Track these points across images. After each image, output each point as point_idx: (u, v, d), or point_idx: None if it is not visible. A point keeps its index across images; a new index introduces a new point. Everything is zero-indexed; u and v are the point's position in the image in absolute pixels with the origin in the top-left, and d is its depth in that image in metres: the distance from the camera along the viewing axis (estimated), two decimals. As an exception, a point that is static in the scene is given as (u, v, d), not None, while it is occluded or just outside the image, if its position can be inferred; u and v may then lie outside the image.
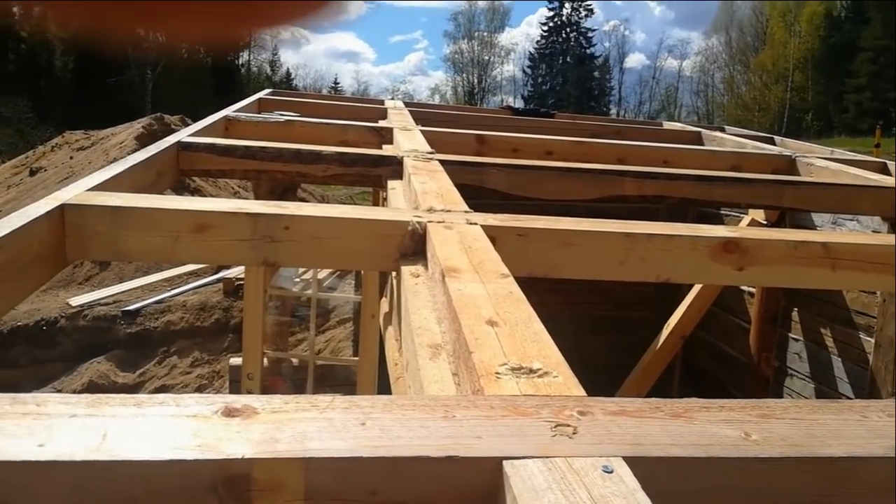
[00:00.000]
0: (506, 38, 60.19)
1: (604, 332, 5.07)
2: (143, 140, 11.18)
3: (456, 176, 1.98)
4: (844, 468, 0.65)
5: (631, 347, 4.57)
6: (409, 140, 2.67)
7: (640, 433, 0.66)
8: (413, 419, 0.66)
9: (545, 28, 54.65)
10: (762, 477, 0.64)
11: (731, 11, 51.09)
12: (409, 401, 0.70)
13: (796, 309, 3.98)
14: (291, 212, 1.42)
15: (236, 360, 5.03)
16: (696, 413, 0.70)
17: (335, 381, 5.24)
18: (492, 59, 55.98)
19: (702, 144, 4.33)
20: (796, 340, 3.99)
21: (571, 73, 53.04)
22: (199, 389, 7.21)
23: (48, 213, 1.29)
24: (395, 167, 2.21)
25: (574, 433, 0.65)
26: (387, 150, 2.61)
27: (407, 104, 4.61)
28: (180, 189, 9.52)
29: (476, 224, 1.41)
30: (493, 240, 1.33)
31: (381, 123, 3.24)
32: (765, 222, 3.80)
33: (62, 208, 1.34)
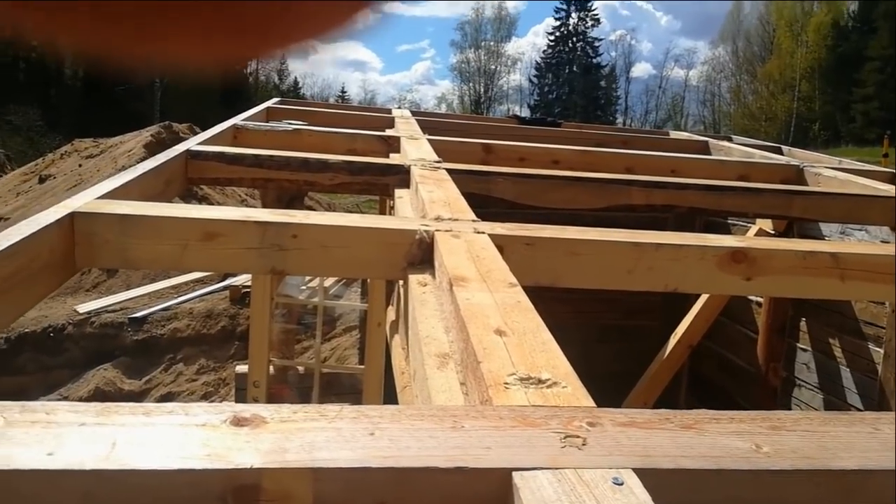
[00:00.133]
0: (512, 47, 60.42)
1: (611, 341, 5.06)
2: (152, 148, 11.24)
3: (463, 185, 1.98)
4: (857, 481, 0.65)
5: (638, 356, 4.55)
6: (416, 149, 2.67)
7: (650, 445, 0.65)
8: (422, 429, 0.65)
9: (551, 38, 54.80)
10: (773, 490, 0.63)
11: (738, 21, 51.14)
12: (418, 411, 0.70)
13: (804, 319, 3.96)
14: (299, 220, 1.43)
15: (242, 368, 5.04)
16: (707, 425, 0.70)
17: (341, 389, 5.23)
18: (498, 69, 56.14)
19: (709, 154, 4.33)
20: (804, 351, 3.97)
21: (578, 83, 53.11)
22: (206, 397, 7.21)
23: (58, 221, 1.30)
24: (402, 176, 2.21)
25: (584, 444, 0.64)
26: (394, 158, 2.62)
27: (414, 113, 4.62)
28: (188, 197, 9.56)
29: (483, 233, 1.41)
30: (500, 249, 1.33)
31: (389, 132, 3.25)
32: (772, 232, 3.79)
33: (72, 216, 1.35)
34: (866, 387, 3.47)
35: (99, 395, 6.98)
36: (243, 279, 8.18)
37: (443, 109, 49.78)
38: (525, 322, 0.96)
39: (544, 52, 55.24)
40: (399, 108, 6.22)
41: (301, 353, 6.64)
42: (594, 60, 54.64)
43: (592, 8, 54.35)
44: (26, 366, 7.45)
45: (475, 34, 56.00)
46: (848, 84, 41.95)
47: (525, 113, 45.37)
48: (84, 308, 8.05)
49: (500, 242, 1.38)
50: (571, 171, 2.65)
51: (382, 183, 2.25)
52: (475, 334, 0.90)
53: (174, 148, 2.27)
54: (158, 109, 34.50)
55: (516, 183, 2.31)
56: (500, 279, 1.13)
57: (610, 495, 0.57)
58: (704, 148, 4.53)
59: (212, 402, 6.94)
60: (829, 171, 3.14)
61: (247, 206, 10.54)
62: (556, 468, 0.60)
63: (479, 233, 1.41)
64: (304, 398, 4.97)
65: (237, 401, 5.21)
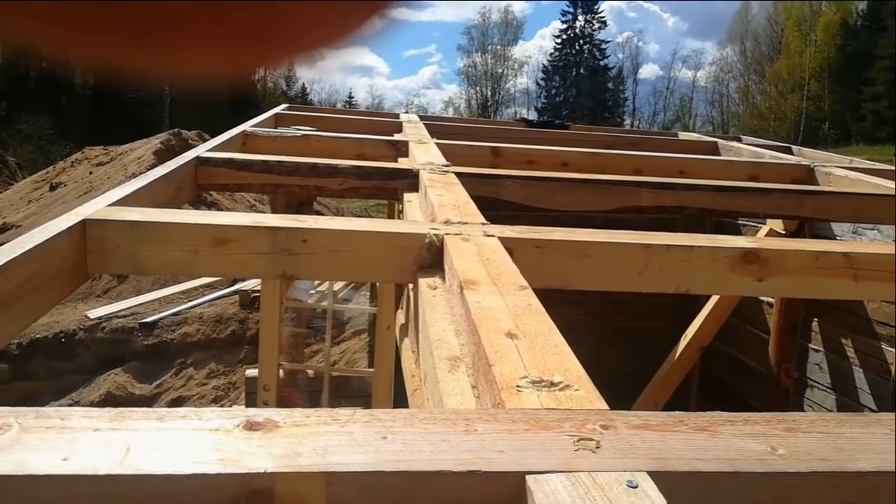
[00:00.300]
0: (519, 50, 60.42)
1: (621, 343, 5.04)
2: (162, 155, 11.30)
3: (472, 188, 1.98)
4: (873, 483, 0.64)
5: (649, 358, 4.53)
6: (424, 153, 2.68)
7: (664, 447, 0.65)
8: (434, 433, 0.65)
9: (558, 40, 54.80)
10: (789, 492, 0.63)
11: (746, 21, 50.96)
12: (430, 414, 0.70)
13: (816, 319, 3.94)
14: (309, 225, 1.43)
15: (252, 372, 5.05)
16: (721, 427, 0.69)
17: (350, 392, 5.24)
18: (505, 72, 56.17)
19: (718, 154, 4.31)
20: (816, 351, 3.94)
21: (585, 85, 53.05)
22: (216, 401, 7.23)
23: (70, 228, 1.31)
24: (411, 180, 2.22)
25: (597, 447, 0.64)
26: (402, 163, 2.62)
27: (422, 117, 4.63)
28: (197, 203, 9.61)
29: (493, 236, 1.41)
30: (510, 252, 1.33)
31: (397, 137, 3.25)
32: (783, 232, 3.77)
33: (84, 223, 1.35)
34: (880, 387, 3.44)
35: (110, 400, 7.02)
36: (253, 284, 8.21)
37: (450, 113, 49.84)
38: (536, 325, 0.96)
39: (551, 54, 55.27)
40: (406, 112, 6.24)
41: (311, 356, 6.65)
42: (601, 62, 54.58)
43: (599, 10, 54.39)
44: (38, 371, 7.51)
45: (482, 38, 56.11)
46: (857, 83, 41.72)
47: (532, 116, 45.35)
48: (95, 313, 8.10)
49: (510, 245, 1.38)
50: (580, 173, 2.65)
51: (391, 187, 2.26)
52: (486, 337, 0.90)
53: (184, 155, 2.28)
54: (168, 117, 34.71)
55: (525, 186, 2.31)
56: (511, 282, 1.13)
57: (624, 498, 0.57)
58: (714, 149, 4.51)
59: (222, 406, 6.97)
60: (840, 171, 3.12)
61: (256, 211, 10.59)
62: (570, 471, 0.60)
63: (488, 236, 1.41)
64: (314, 402, 4.97)
65: (247, 404, 5.23)
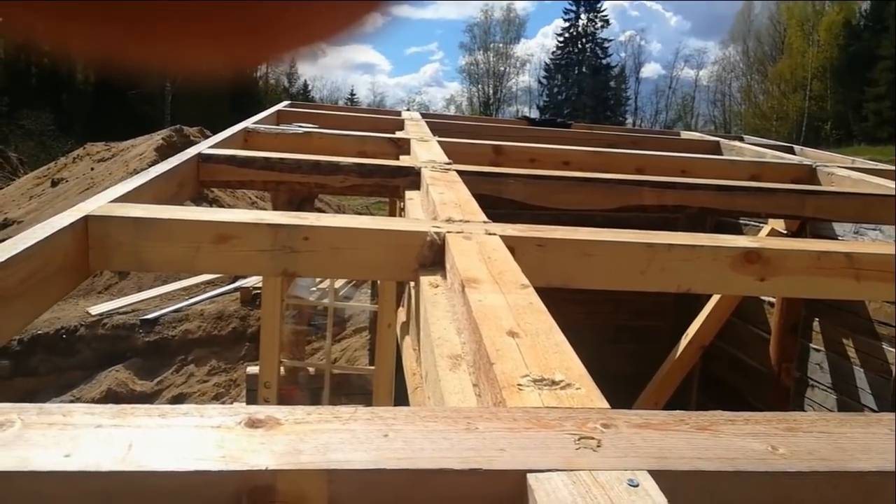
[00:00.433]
0: (521, 48, 60.47)
1: (622, 342, 5.04)
2: (163, 151, 11.31)
3: (474, 186, 1.98)
4: (874, 483, 0.64)
5: (650, 357, 4.53)
6: (426, 151, 2.68)
7: (665, 446, 0.65)
8: (436, 431, 0.65)
9: (561, 39, 54.71)
10: (790, 491, 0.63)
11: (748, 21, 50.87)
12: (432, 412, 0.70)
13: (817, 319, 3.93)
14: (311, 222, 1.43)
15: (253, 369, 5.06)
16: (722, 426, 0.69)
17: (351, 390, 5.25)
18: (507, 70, 56.11)
19: (720, 154, 4.31)
20: (817, 351, 3.94)
21: (587, 84, 52.98)
22: (217, 398, 7.24)
23: (72, 224, 1.31)
24: (412, 178, 2.22)
25: (598, 446, 0.64)
26: (404, 160, 2.62)
27: (423, 115, 4.63)
28: (198, 200, 9.61)
29: (495, 234, 1.41)
30: (512, 250, 1.33)
31: (399, 134, 3.25)
32: (785, 232, 3.76)
33: (86, 220, 1.36)
34: (880, 387, 3.44)
35: (111, 396, 7.03)
36: (254, 281, 8.21)
37: (452, 111, 49.80)
38: (538, 323, 0.96)
39: (553, 53, 55.19)
40: (408, 110, 6.24)
41: (311, 354, 6.66)
42: (604, 61, 54.51)
43: (602, 9, 54.28)
44: (39, 367, 7.52)
45: (484, 36, 56.04)
46: (860, 83, 41.65)
47: (534, 114, 45.30)
48: (96, 310, 8.11)
49: (512, 244, 1.38)
50: (582, 171, 2.65)
51: (393, 185, 2.25)
52: (488, 336, 0.90)
53: (186, 151, 2.28)
54: (169, 113, 34.70)
55: (527, 184, 2.31)
56: (512, 280, 1.13)
57: (625, 497, 0.57)
58: (716, 148, 4.51)
59: (223, 403, 6.98)
60: (842, 171, 3.12)
61: (257, 208, 10.60)
62: (571, 470, 0.60)
63: (490, 234, 1.41)
64: (315, 399, 4.98)
65: (248, 401, 5.23)
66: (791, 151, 4.32)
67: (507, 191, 2.28)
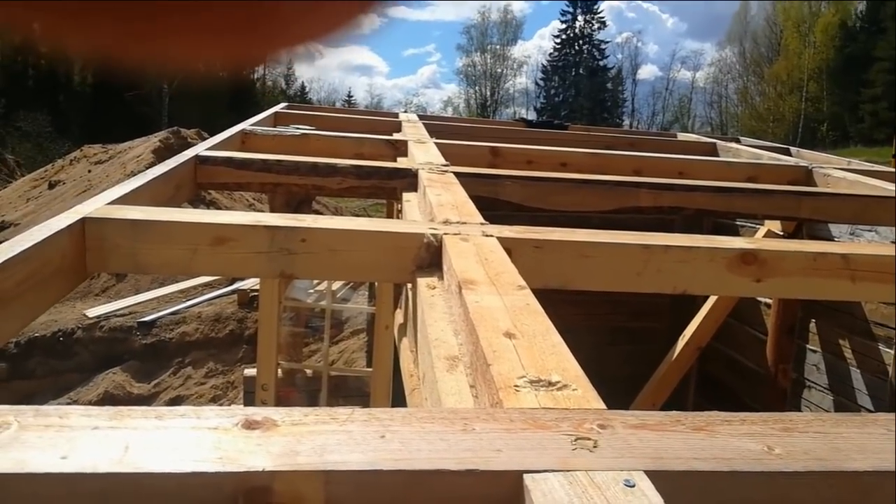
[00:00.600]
0: (518, 50, 60.53)
1: (619, 343, 5.05)
2: (161, 153, 11.30)
3: (471, 188, 1.98)
4: (870, 483, 0.64)
5: (646, 358, 4.54)
6: (423, 152, 2.68)
7: (661, 447, 0.65)
8: (432, 432, 0.65)
9: (558, 41, 54.81)
10: (786, 491, 0.63)
11: (745, 22, 50.99)
12: (428, 413, 0.70)
13: (814, 320, 3.94)
14: (308, 224, 1.43)
15: (251, 371, 5.05)
16: (718, 426, 0.69)
17: (349, 392, 5.24)
18: (504, 72, 56.17)
19: (717, 155, 4.31)
20: (814, 352, 3.95)
21: (584, 85, 53.06)
22: (214, 400, 7.23)
23: (69, 226, 1.31)
24: (410, 179, 2.22)
25: (595, 447, 0.64)
26: (402, 162, 2.62)
27: (421, 117, 4.63)
28: (196, 202, 9.60)
29: (492, 236, 1.41)
30: (509, 252, 1.33)
31: (396, 136, 3.26)
32: (781, 233, 3.77)
33: (83, 222, 1.35)
34: (877, 388, 3.44)
35: (108, 399, 7.02)
36: (251, 283, 8.21)
37: (449, 113, 49.85)
38: (534, 325, 0.96)
39: (550, 54, 55.28)
40: (405, 112, 6.24)
41: (309, 356, 6.65)
42: (600, 63, 54.60)
43: (598, 10, 54.38)
44: (36, 370, 7.50)
45: (481, 38, 56.11)
46: (856, 84, 41.76)
47: (531, 116, 45.36)
48: (93, 312, 8.09)
49: (509, 245, 1.38)
50: (579, 173, 2.65)
51: (390, 187, 2.26)
52: (485, 337, 0.90)
53: (183, 153, 2.28)
54: (167, 115, 34.67)
55: (524, 186, 2.31)
56: (509, 282, 1.13)
57: (621, 497, 0.57)
58: (712, 150, 4.52)
59: (220, 405, 6.96)
60: (839, 172, 3.13)
61: (254, 210, 10.59)
62: (568, 470, 0.60)
63: (487, 236, 1.41)
64: (312, 401, 4.98)
65: (245, 404, 5.23)
66: (787, 153, 4.33)
67: (504, 192, 2.29)
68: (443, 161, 2.44)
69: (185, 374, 7.64)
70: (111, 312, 8.14)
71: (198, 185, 2.25)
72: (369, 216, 10.52)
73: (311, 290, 5.97)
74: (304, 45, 0.36)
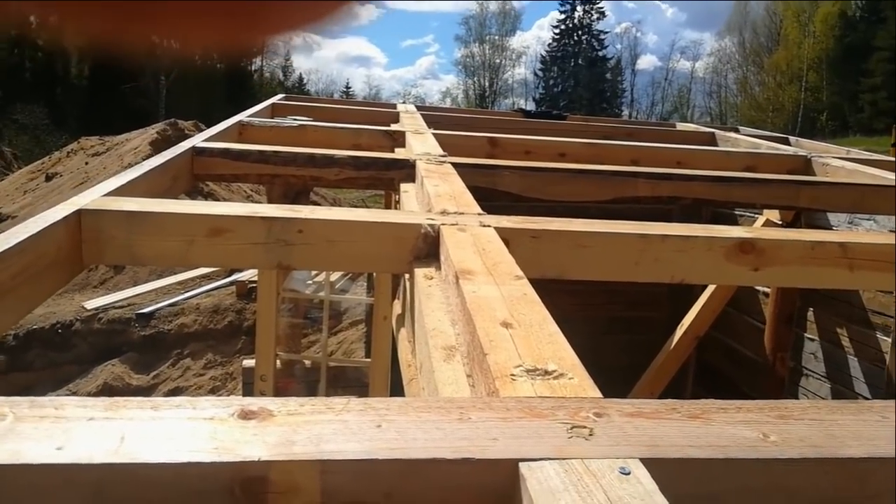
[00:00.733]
0: (517, 41, 60.33)
1: (617, 333, 5.05)
2: (158, 145, 11.27)
3: (469, 178, 1.98)
4: (865, 469, 0.64)
5: (645, 348, 4.55)
6: (421, 143, 2.67)
7: (657, 435, 0.65)
8: (428, 421, 0.65)
9: (557, 31, 54.59)
10: (781, 478, 0.63)
11: (745, 12, 50.79)
12: (425, 402, 0.70)
13: (812, 309, 3.95)
14: (305, 215, 1.43)
15: (249, 362, 5.06)
16: (714, 414, 0.70)
17: (347, 382, 5.25)
18: (503, 63, 55.99)
19: (716, 145, 4.31)
20: (812, 340, 3.96)
21: (583, 76, 52.90)
22: (213, 391, 7.25)
23: (65, 218, 1.30)
24: (407, 170, 2.21)
25: (590, 435, 0.64)
26: (399, 153, 2.62)
27: (419, 108, 4.62)
28: (193, 193, 9.59)
29: (489, 226, 1.41)
30: (506, 242, 1.33)
31: (394, 127, 3.25)
32: (780, 222, 3.77)
33: (79, 213, 1.35)
34: (874, 376, 3.45)
35: (107, 391, 7.03)
36: (249, 274, 8.21)
37: (447, 104, 49.69)
38: (531, 314, 0.96)
39: (549, 45, 55.08)
40: (404, 103, 6.22)
41: (307, 347, 6.66)
42: (599, 53, 54.43)
43: (598, 1, 54.11)
44: (35, 362, 7.51)
45: (480, 28, 55.88)
46: (856, 74, 41.68)
47: (530, 106, 45.24)
48: (92, 304, 8.09)
49: (506, 235, 1.38)
50: (577, 163, 2.65)
51: (388, 177, 2.25)
52: (481, 326, 0.90)
53: (180, 145, 2.27)
54: (164, 107, 34.57)
55: (522, 176, 2.31)
56: (507, 272, 1.13)
57: (617, 485, 0.57)
58: (711, 139, 4.51)
59: (219, 396, 6.98)
60: (837, 161, 3.12)
61: (252, 201, 10.57)
62: (563, 458, 0.60)
63: (484, 226, 1.41)
64: (311, 392, 4.99)
65: (244, 395, 5.24)
66: (786, 142, 4.32)
67: (502, 183, 2.28)
68: (441, 152, 2.43)
69: (184, 366, 7.65)
70: (110, 304, 8.14)
71: (195, 176, 2.24)
72: (368, 207, 10.50)
73: (310, 281, 5.97)
74: (293, 31, 0.36)
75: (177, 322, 7.97)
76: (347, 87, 56.73)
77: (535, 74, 55.48)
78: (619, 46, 55.97)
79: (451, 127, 3.69)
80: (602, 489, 0.56)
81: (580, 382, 0.77)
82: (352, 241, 1.42)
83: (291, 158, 2.25)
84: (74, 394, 6.95)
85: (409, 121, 3.59)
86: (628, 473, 0.58)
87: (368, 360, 4.96)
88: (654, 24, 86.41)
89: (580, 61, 53.86)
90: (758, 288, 4.36)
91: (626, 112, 53.14)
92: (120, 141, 13.48)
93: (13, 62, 36.52)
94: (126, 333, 7.80)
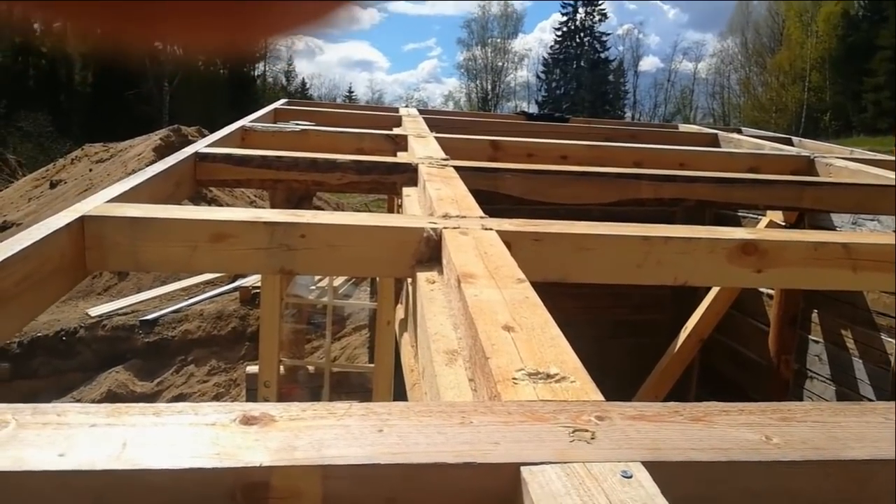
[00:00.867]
0: (519, 43, 60.45)
1: (621, 337, 5.04)
2: (161, 151, 11.30)
3: (471, 182, 1.98)
4: (868, 471, 0.64)
5: (648, 351, 4.54)
6: (423, 147, 2.67)
7: (659, 438, 0.65)
8: (430, 425, 0.65)
9: (559, 33, 54.62)
10: (784, 481, 0.63)
11: (747, 12, 50.76)
12: (426, 407, 0.70)
13: (816, 311, 3.94)
14: (308, 220, 1.43)
15: (253, 369, 5.06)
16: (716, 417, 0.69)
17: (351, 388, 5.25)
18: (505, 65, 56.00)
19: (719, 146, 4.30)
20: (816, 342, 3.94)
21: (585, 78, 52.90)
22: (217, 398, 7.25)
23: (69, 224, 1.31)
24: (410, 174, 2.22)
25: (592, 438, 0.64)
26: (401, 157, 2.62)
27: (421, 111, 4.62)
28: (196, 199, 9.61)
29: (491, 229, 1.41)
30: (508, 245, 1.33)
31: (396, 131, 3.25)
32: (783, 224, 3.77)
33: (82, 220, 1.35)
34: (879, 378, 3.44)
35: (111, 398, 7.03)
36: (253, 280, 8.21)
37: (450, 107, 49.80)
38: (533, 318, 0.96)
39: (551, 47, 55.09)
40: (406, 106, 6.23)
41: (311, 352, 6.66)
42: (602, 55, 54.42)
43: (599, 3, 54.13)
44: (39, 369, 7.52)
45: (481, 31, 55.92)
46: (859, 74, 41.58)
47: (533, 109, 45.29)
48: (96, 311, 8.11)
49: (508, 239, 1.38)
50: (580, 166, 2.65)
51: (390, 181, 2.25)
52: (483, 330, 0.90)
53: (183, 151, 2.28)
54: (167, 113, 34.67)
55: (525, 179, 2.31)
56: (509, 275, 1.13)
57: (619, 488, 0.57)
58: (714, 141, 4.50)
59: (223, 402, 6.98)
60: (841, 162, 3.12)
61: (255, 207, 10.58)
62: (565, 462, 0.60)
63: (486, 229, 1.41)
64: (315, 397, 4.99)
65: (248, 401, 5.24)
66: (790, 143, 4.32)
67: (504, 186, 2.28)
68: (443, 155, 2.43)
69: (188, 372, 7.65)
70: (113, 311, 8.15)
71: (197, 182, 2.25)
72: (371, 212, 10.52)
73: (313, 287, 5.97)
74: (293, 32, 0.36)
75: (180, 328, 7.98)
76: (350, 92, 56.88)
77: (538, 77, 55.54)
78: (621, 48, 56.01)
79: (454, 130, 3.69)
80: (604, 493, 0.56)
81: (582, 386, 0.77)
82: (354, 245, 1.42)
83: (294, 163, 2.26)
84: (78, 401, 6.96)
85: (412, 124, 3.60)
86: (630, 477, 0.58)
87: (372, 365, 4.96)
88: (656, 26, 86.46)
89: (582, 63, 53.87)
90: (761, 290, 4.35)
91: (628, 114, 53.14)
92: (124, 147, 13.52)
93: (17, 70, 36.66)
94: (130, 340, 7.81)
